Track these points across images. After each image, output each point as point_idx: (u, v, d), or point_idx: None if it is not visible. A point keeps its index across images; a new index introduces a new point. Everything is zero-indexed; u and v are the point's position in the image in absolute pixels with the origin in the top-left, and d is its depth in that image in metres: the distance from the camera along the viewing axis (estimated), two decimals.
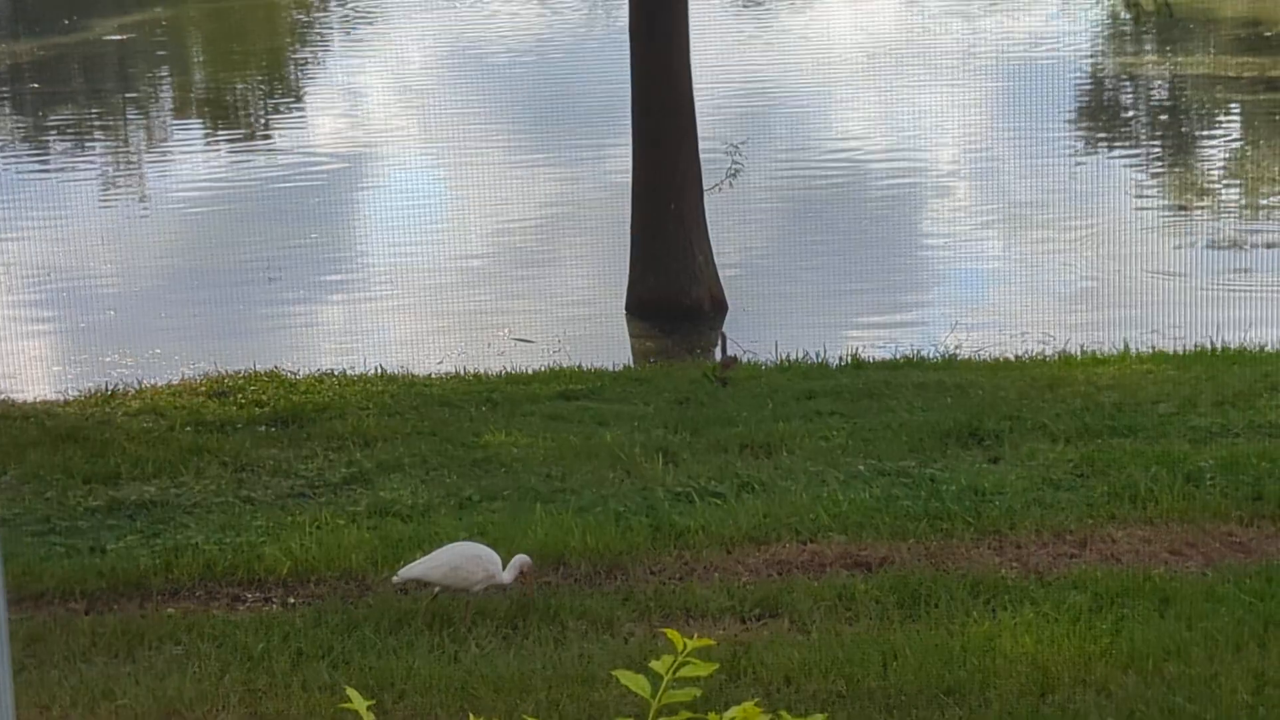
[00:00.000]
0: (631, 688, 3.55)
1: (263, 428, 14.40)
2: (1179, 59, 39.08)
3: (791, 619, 8.78)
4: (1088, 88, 38.53)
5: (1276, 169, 31.80)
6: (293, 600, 9.92)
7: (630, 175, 21.31)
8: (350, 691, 3.68)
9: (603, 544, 10.20)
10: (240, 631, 9.18)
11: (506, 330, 21.20)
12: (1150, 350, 17.68)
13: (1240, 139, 36.22)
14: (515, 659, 8.21)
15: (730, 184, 21.69)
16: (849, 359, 17.35)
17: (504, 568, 9.39)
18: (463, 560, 9.38)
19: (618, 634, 8.66)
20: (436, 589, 9.45)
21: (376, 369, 17.62)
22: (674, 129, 20.77)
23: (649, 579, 9.71)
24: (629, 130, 21.49)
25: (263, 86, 40.26)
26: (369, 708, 3.69)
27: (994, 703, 7.17)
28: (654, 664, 3.60)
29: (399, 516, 11.44)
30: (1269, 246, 25.93)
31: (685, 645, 3.56)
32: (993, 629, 8.21)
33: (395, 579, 9.61)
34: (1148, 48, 40.21)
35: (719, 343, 15.35)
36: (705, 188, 21.14)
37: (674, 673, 3.54)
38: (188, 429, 14.15)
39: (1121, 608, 8.45)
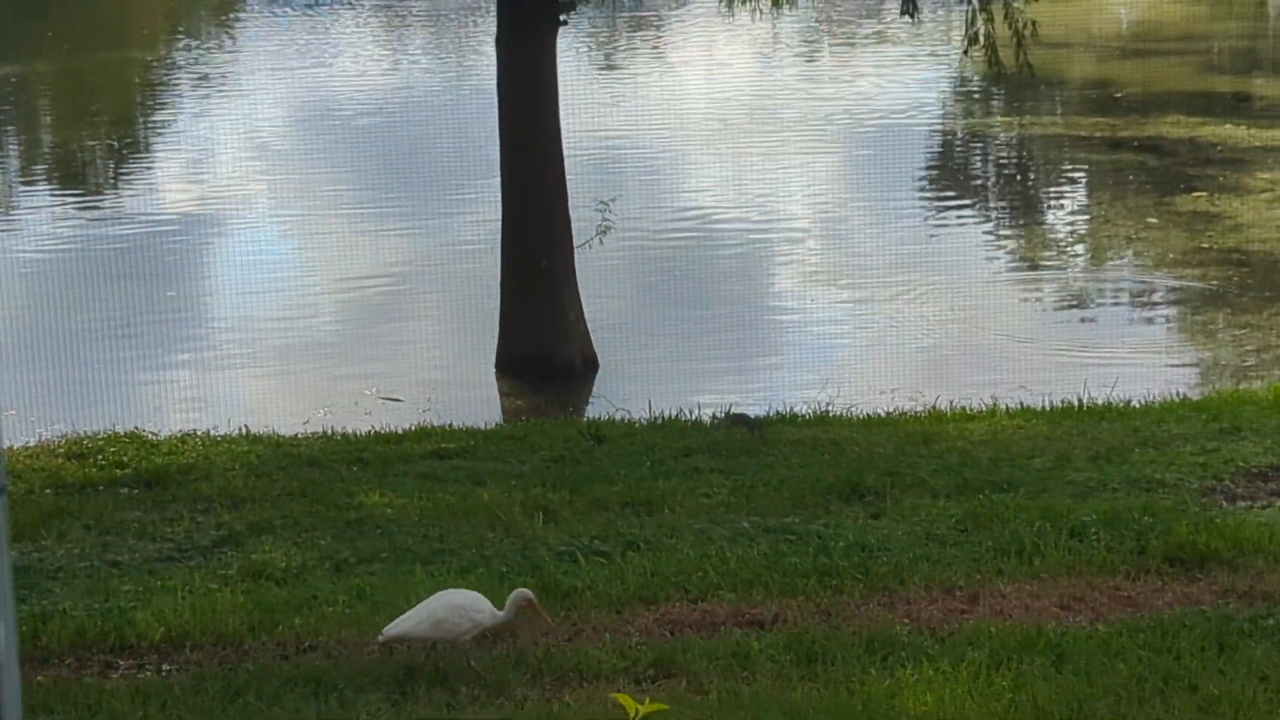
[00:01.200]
0: None
1: (125, 489, 14.05)
2: (1031, 120, 39.54)
3: (688, 679, 8.62)
4: (942, 150, 38.88)
5: (1127, 228, 32.20)
6: (168, 667, 9.62)
7: (499, 233, 21.16)
8: None
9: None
10: (115, 700, 8.89)
11: (373, 390, 20.93)
12: (1018, 406, 17.77)
13: (1091, 198, 36.69)
14: None
15: (601, 241, 21.58)
16: (724, 416, 17.26)
17: (500, 608, 9.22)
18: (446, 612, 9.18)
19: (511, 698, 8.46)
20: (435, 644, 9.23)
21: (241, 429, 17.30)
22: (544, 185, 20.66)
23: (538, 640, 9.51)
24: (496, 187, 21.35)
25: (113, 146, 39.70)
26: None
27: None
28: None
29: (273, 579, 11.17)
30: (1119, 304, 26.27)
31: (638, 710, 3.40)
32: (893, 687, 8.10)
33: (380, 637, 9.38)
34: (1000, 109, 40.65)
35: (730, 419, 15.25)
36: (575, 245, 21.02)
37: None
38: (47, 491, 13.78)
39: (1019, 664, 8.37)
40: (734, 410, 14.85)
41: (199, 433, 16.73)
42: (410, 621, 9.32)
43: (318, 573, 11.29)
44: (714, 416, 15.19)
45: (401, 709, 8.42)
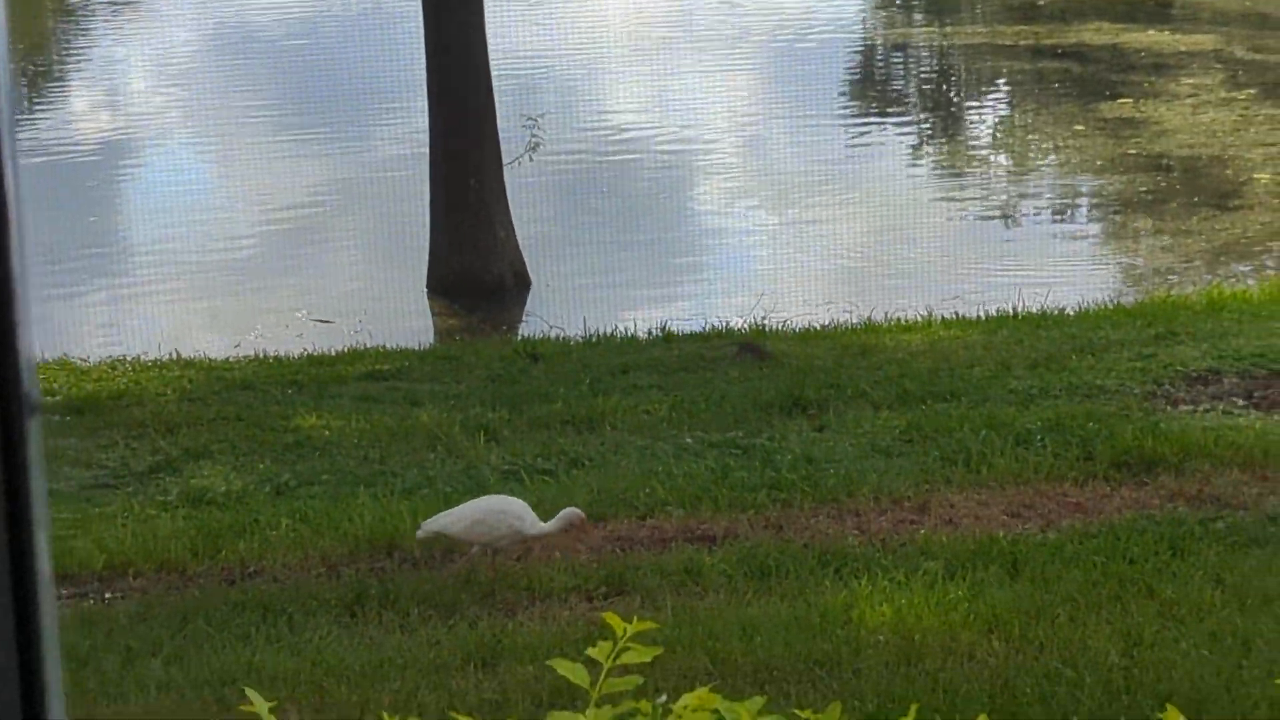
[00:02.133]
0: (570, 678, 3.29)
1: (56, 417, 13.84)
2: (953, 29, 39.50)
3: (640, 597, 8.54)
4: (864, 62, 38.77)
5: (1053, 136, 32.23)
6: (110, 595, 9.48)
7: (428, 152, 20.97)
8: (250, 692, 3.39)
9: None
10: (61, 630, 8.74)
11: (304, 312, 20.74)
12: (954, 316, 17.75)
13: (1016, 107, 36.69)
14: (360, 648, 7.89)
15: (530, 158, 21.42)
16: (659, 332, 17.19)
17: (546, 520, 9.15)
18: (485, 514, 9.11)
19: (463, 618, 8.37)
20: (474, 548, 9.16)
21: (172, 354, 17.10)
22: (472, 104, 20.46)
23: (488, 560, 9.41)
24: (424, 107, 21.14)
25: (28, 72, 39.12)
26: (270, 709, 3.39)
27: (865, 674, 7.01)
28: (592, 651, 3.34)
29: (214, 504, 11.02)
30: (1047, 213, 26.30)
31: (625, 630, 3.31)
32: (848, 599, 8.05)
33: (419, 532, 9.36)
34: (922, 20, 40.60)
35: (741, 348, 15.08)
36: (504, 163, 20.85)
37: (614, 659, 3.29)
38: None
39: (974, 573, 8.34)
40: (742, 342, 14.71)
41: (129, 359, 16.52)
42: (449, 518, 9.27)
43: (258, 497, 11.16)
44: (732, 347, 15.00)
45: (352, 631, 8.32)
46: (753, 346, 14.88)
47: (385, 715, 3.49)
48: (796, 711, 3.41)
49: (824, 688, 6.95)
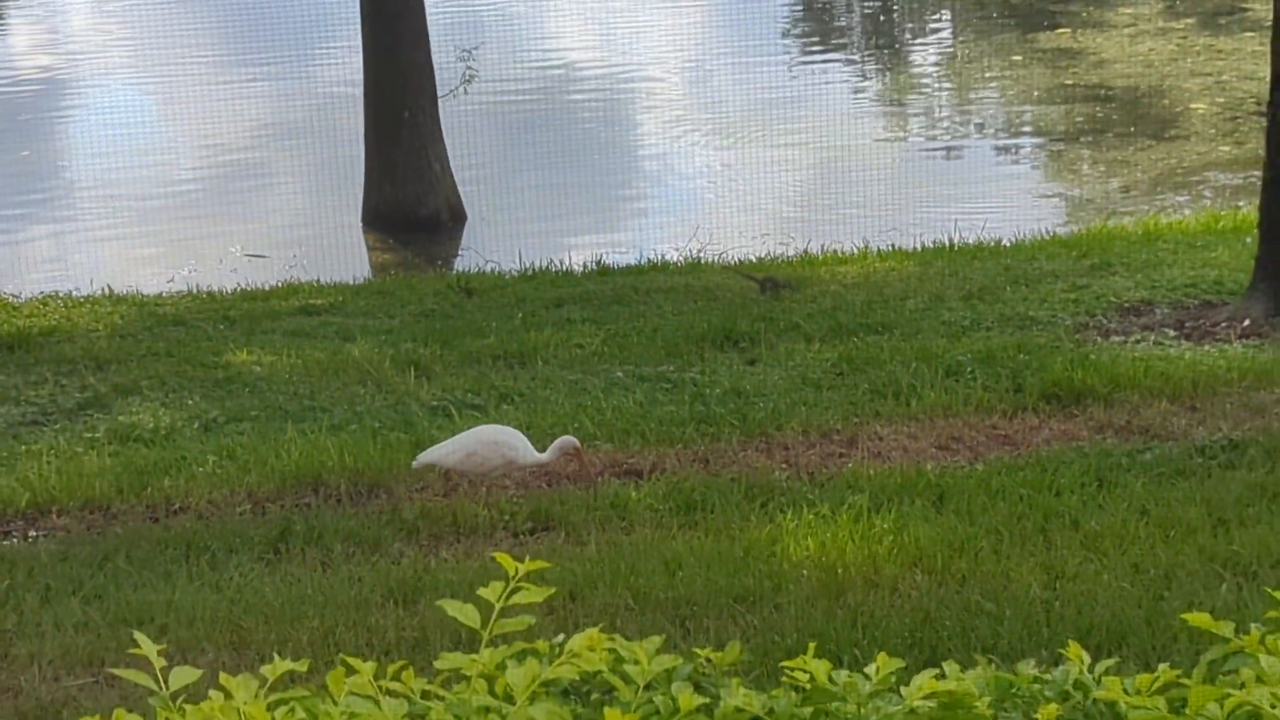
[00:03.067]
0: (460, 619, 3.23)
1: None
2: None
3: (566, 532, 8.49)
4: None
5: (991, 66, 32.17)
6: (34, 534, 9.37)
7: (361, 84, 20.79)
8: (139, 636, 3.32)
9: (361, 462, 9.79)
10: None
11: (238, 247, 20.57)
12: (890, 248, 17.72)
13: (955, 38, 36.63)
14: (282, 586, 7.81)
15: (465, 90, 21.25)
16: (594, 265, 17.11)
17: (541, 450, 9.14)
18: (478, 445, 9.10)
19: (386, 555, 8.30)
20: (467, 478, 9.17)
21: (104, 290, 16.94)
22: (405, 35, 20.27)
23: (413, 496, 9.34)
24: (358, 40, 20.94)
25: None
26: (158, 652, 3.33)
27: (786, 608, 6.96)
28: (482, 591, 3.28)
29: (142, 441, 10.91)
30: (985, 143, 26.28)
31: (517, 570, 3.24)
32: (773, 533, 8.00)
33: (415, 463, 9.36)
34: None
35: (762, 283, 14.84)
36: (439, 95, 20.69)
37: (505, 599, 3.23)
38: None
39: (900, 506, 8.30)
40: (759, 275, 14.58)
41: (60, 295, 16.36)
42: (443, 450, 9.26)
43: (186, 433, 11.05)
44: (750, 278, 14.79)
45: (274, 568, 8.24)
46: (773, 280, 14.69)
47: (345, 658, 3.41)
48: (696, 650, 3.36)
49: (743, 623, 6.91)
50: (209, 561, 8.28)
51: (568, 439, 9.20)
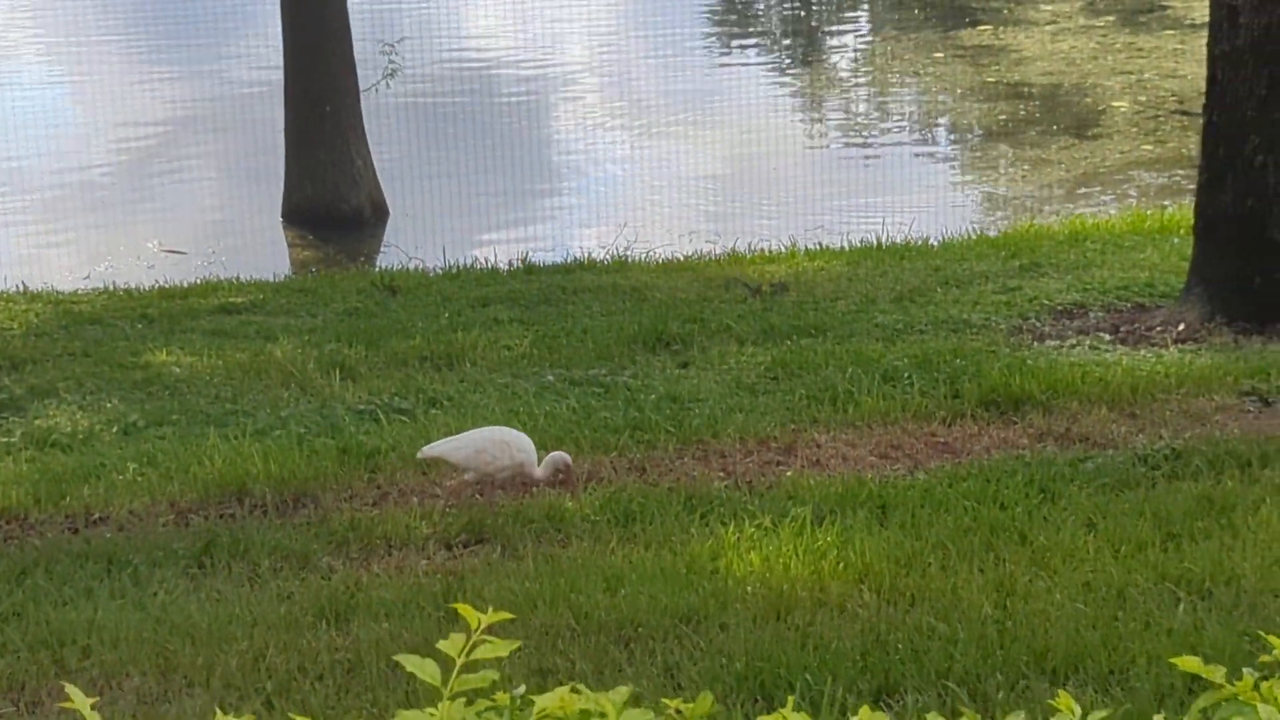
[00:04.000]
0: (421, 677, 3.02)
1: None
2: None
3: (502, 544, 8.27)
4: None
5: (913, 63, 32.13)
6: None
7: (283, 79, 20.49)
8: (70, 690, 3.10)
9: (287, 470, 9.53)
10: None
11: (156, 242, 20.24)
12: (818, 246, 17.59)
13: (876, 34, 36.59)
14: (208, 604, 7.55)
15: (388, 85, 20.98)
16: (520, 263, 16.89)
17: (539, 462, 8.94)
18: (489, 444, 8.86)
19: (316, 569, 8.05)
20: (468, 474, 8.90)
21: (17, 287, 16.60)
22: (326, 29, 19.98)
23: (341, 506, 9.09)
24: (278, 29, 20.64)
25: None
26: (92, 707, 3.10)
27: (733, 629, 6.77)
28: (443, 645, 3.07)
29: (59, 447, 10.61)
30: (908, 141, 26.21)
31: (479, 621, 3.04)
32: (715, 547, 7.81)
33: (420, 454, 9.16)
34: None
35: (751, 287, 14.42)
36: (361, 89, 20.41)
37: (467, 655, 3.02)
38: None
39: (842, 518, 8.12)
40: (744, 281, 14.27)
41: None
42: (451, 444, 9.04)
43: (105, 438, 10.76)
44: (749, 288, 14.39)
45: (200, 584, 7.98)
46: (781, 285, 14.33)
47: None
48: (665, 701, 3.16)
49: (690, 645, 6.71)
50: (131, 576, 8.01)
51: (559, 455, 8.97)
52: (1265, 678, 3.45)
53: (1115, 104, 27.00)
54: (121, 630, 7.17)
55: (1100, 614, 6.74)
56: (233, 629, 7.08)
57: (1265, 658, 3.57)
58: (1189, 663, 3.46)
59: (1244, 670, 3.40)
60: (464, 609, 3.06)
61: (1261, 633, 6.51)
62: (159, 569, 8.12)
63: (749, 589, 7.20)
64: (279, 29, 20.56)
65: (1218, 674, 3.47)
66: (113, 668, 6.81)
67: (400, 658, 3.02)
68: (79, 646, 7.03)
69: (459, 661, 3.00)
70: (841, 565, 7.43)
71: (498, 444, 8.89)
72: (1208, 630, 6.55)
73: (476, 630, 3.03)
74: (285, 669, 6.63)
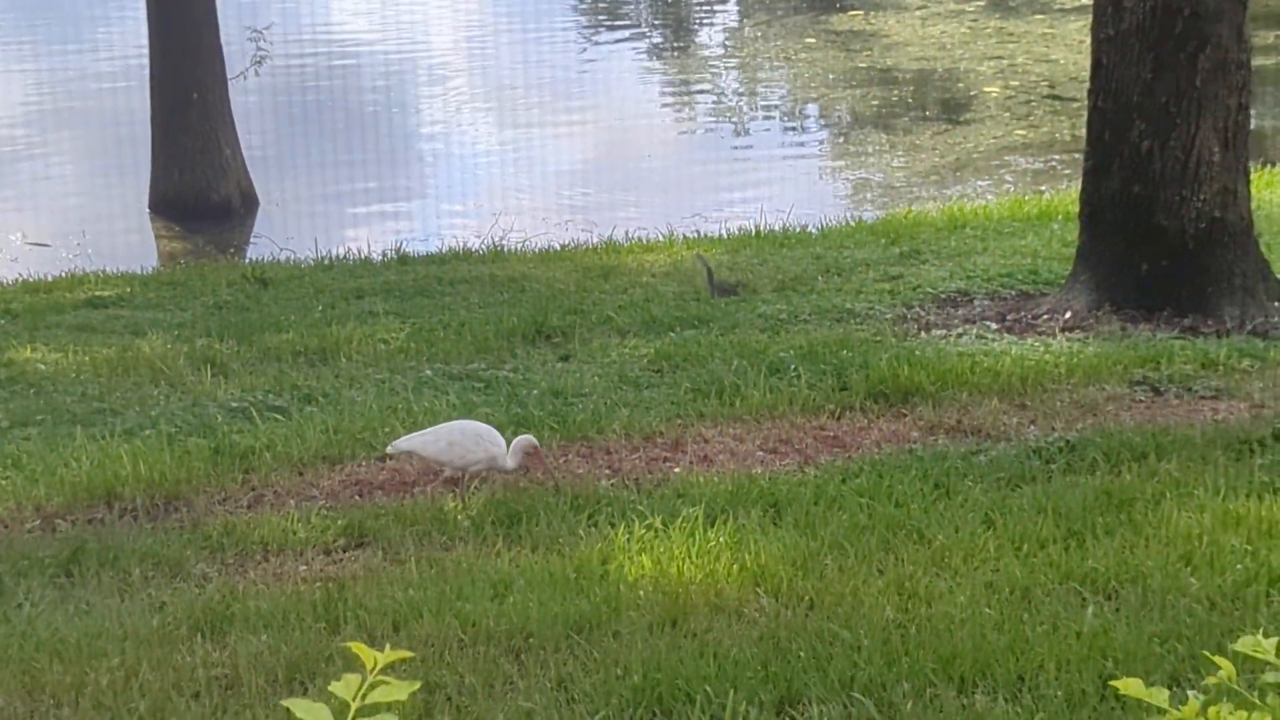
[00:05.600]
0: None
1: None
2: None
3: (383, 548, 7.97)
4: None
5: (784, 48, 32.05)
6: None
7: (148, 66, 20.05)
8: None
9: (158, 472, 9.18)
10: None
11: (19, 234, 19.75)
12: (696, 234, 17.39)
13: (746, 18, 36.47)
14: (76, 617, 7.20)
15: (256, 72, 20.58)
16: (394, 254, 16.58)
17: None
18: (461, 436, 8.57)
19: (190, 578, 7.72)
20: (446, 471, 8.62)
21: None
22: (192, 14, 19.56)
23: (215, 510, 8.76)
24: (143, 14, 20.20)
25: None
26: None
27: (627, 638, 6.51)
28: (335, 686, 2.80)
29: None
30: (780, 127, 26.10)
31: (376, 661, 2.78)
32: (605, 550, 7.54)
33: (389, 448, 8.90)
34: None
35: (707, 273, 13.80)
36: (229, 77, 20.01)
37: (361, 698, 2.76)
38: None
39: (735, 517, 7.89)
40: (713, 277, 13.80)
41: None
42: (423, 438, 8.75)
43: None
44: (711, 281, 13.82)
45: (68, 593, 7.64)
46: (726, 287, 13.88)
47: None
48: None
49: (583, 655, 6.45)
50: None
51: (526, 439, 8.69)
52: (1211, 702, 3.26)
53: (987, 89, 27.01)
54: None
55: (1006, 616, 6.55)
56: (103, 644, 6.75)
57: (1210, 679, 3.38)
58: (1131, 686, 3.26)
59: (1189, 694, 3.21)
60: (359, 648, 2.80)
61: (1174, 639, 6.39)
62: (24, 579, 7.77)
63: (641, 594, 6.96)
64: (144, 16, 20.12)
65: (1160, 697, 3.27)
66: None
67: (289, 703, 2.76)
68: None
69: (354, 705, 2.74)
70: (736, 568, 7.21)
71: (470, 436, 8.64)
72: (1117, 633, 6.37)
73: (373, 670, 2.77)
74: (159, 687, 6.31)
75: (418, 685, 2.76)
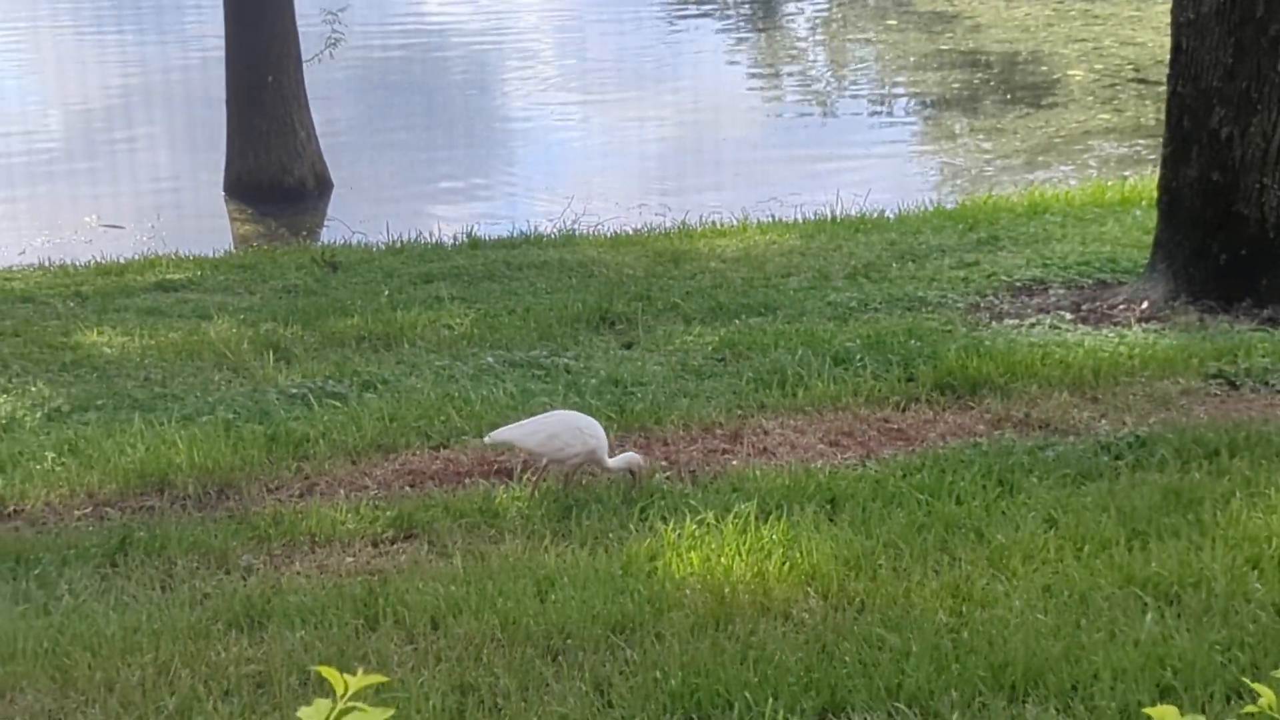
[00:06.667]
0: None
1: None
2: None
3: (430, 541, 7.82)
4: None
5: (866, 30, 31.76)
6: None
7: (224, 49, 20.01)
8: None
9: (212, 459, 9.07)
10: None
11: (94, 216, 19.77)
12: (770, 219, 17.17)
13: (829, 1, 36.17)
14: (115, 609, 7.09)
15: (330, 55, 20.49)
16: (465, 238, 16.45)
17: (610, 452, 8.47)
18: (562, 428, 8.37)
19: (234, 570, 7.59)
20: (545, 460, 8.42)
21: None
22: None
23: (266, 499, 8.64)
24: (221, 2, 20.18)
25: None
26: None
27: (668, 639, 6.33)
28: (304, 712, 2.64)
29: None
30: (862, 110, 25.81)
31: (346, 686, 2.61)
32: (654, 546, 7.37)
33: (486, 439, 8.70)
34: None
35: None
36: (304, 59, 19.95)
37: None
38: None
39: (789, 513, 7.69)
40: None
41: None
42: (523, 430, 8.56)
43: (28, 424, 10.28)
44: None
45: (110, 583, 7.53)
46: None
47: None
48: None
49: (622, 658, 6.28)
50: (38, 578, 7.55)
51: (634, 457, 8.46)
52: None
53: (1071, 72, 26.65)
54: (20, 639, 6.71)
55: (1062, 622, 6.32)
56: (139, 638, 6.63)
57: (1249, 708, 3.17)
58: (1167, 714, 3.06)
59: None
60: (328, 673, 2.63)
61: (1236, 647, 6.15)
62: (69, 568, 7.67)
63: (687, 593, 6.77)
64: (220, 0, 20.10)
65: None
66: (5, 682, 6.36)
67: (304, 713, 2.59)
68: None
69: None
70: (787, 566, 7.01)
71: (570, 429, 8.41)
72: (1176, 641, 6.14)
73: (343, 697, 2.60)
74: (190, 683, 6.18)
75: (390, 713, 2.59)
